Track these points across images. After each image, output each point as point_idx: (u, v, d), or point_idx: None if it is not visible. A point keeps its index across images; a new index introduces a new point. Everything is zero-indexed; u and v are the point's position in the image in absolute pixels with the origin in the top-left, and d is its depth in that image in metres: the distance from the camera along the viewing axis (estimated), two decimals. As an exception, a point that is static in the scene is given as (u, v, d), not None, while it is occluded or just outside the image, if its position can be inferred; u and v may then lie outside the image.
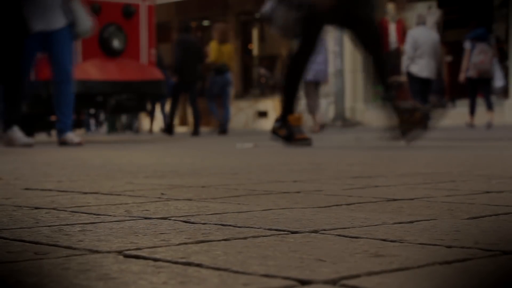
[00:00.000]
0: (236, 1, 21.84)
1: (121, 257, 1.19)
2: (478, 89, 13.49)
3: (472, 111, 13.60)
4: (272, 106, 18.64)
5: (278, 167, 3.52)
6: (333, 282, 0.99)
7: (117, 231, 1.47)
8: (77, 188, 2.46)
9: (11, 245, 1.32)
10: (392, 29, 17.04)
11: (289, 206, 1.87)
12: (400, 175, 2.88)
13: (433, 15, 17.41)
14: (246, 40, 16.86)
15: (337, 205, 1.90)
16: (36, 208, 1.89)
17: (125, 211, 1.81)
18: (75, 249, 1.26)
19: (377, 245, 1.27)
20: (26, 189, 2.45)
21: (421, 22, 12.86)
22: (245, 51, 22.00)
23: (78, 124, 11.24)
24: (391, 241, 1.31)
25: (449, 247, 1.24)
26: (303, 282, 0.99)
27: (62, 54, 7.53)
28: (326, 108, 16.44)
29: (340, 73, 16.96)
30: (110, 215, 1.73)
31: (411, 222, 1.56)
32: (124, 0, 10.18)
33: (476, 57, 13.05)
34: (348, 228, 1.48)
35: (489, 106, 13.40)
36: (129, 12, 10.21)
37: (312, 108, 13.16)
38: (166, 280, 1.01)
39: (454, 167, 3.40)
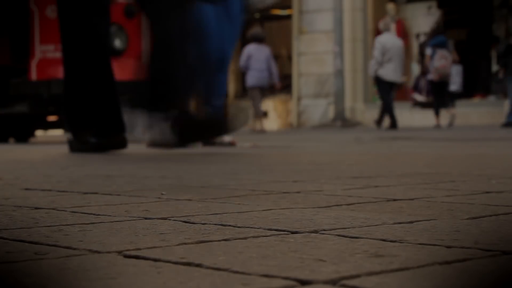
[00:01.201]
0: (236, 1, 21.83)
1: (121, 257, 1.19)
2: (440, 91, 14.58)
3: (437, 112, 14.53)
4: (273, 106, 18.65)
5: (278, 167, 3.52)
6: (333, 282, 0.99)
7: (117, 231, 1.47)
8: (76, 188, 2.46)
9: (11, 245, 1.32)
10: (392, 29, 17.06)
11: (289, 206, 1.87)
12: (400, 175, 2.88)
13: (433, 15, 17.43)
14: (246, 40, 16.96)
15: (337, 205, 1.90)
16: (36, 208, 1.89)
17: (125, 211, 1.81)
18: (74, 249, 1.26)
19: (377, 245, 1.27)
20: (26, 189, 2.45)
21: (387, 29, 14.01)
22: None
23: None
24: (391, 241, 1.31)
25: (449, 247, 1.24)
26: (303, 282, 0.99)
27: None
28: (326, 108, 16.45)
29: (340, 73, 16.96)
30: (110, 215, 1.73)
31: (411, 222, 1.56)
32: None
33: (438, 62, 14.13)
34: (348, 228, 1.48)
35: (447, 106, 14.60)
36: (131, 12, 10.16)
37: (258, 111, 14.32)
38: (166, 280, 1.01)
39: (454, 167, 3.40)
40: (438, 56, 14.14)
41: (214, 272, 1.05)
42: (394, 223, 1.54)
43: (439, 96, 14.44)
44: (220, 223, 1.57)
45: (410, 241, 1.31)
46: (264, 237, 1.37)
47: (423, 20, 17.58)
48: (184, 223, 1.58)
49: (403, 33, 17.63)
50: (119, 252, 1.23)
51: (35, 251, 1.25)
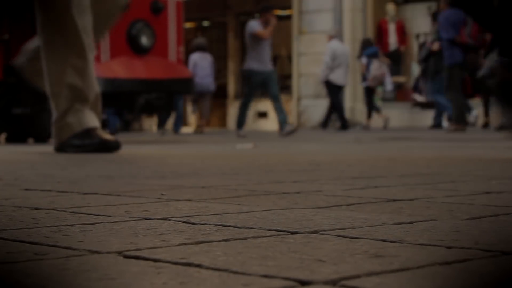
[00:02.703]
0: (235, 2, 21.85)
1: (121, 257, 1.19)
2: (372, 95, 15.88)
3: (370, 114, 15.70)
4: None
5: (278, 168, 3.52)
6: (333, 282, 0.99)
7: (117, 231, 1.47)
8: (76, 188, 2.46)
9: (11, 246, 1.32)
10: (392, 29, 17.07)
11: (289, 207, 1.87)
12: (400, 176, 2.88)
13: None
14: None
15: (337, 206, 1.90)
16: (36, 208, 1.89)
17: (125, 211, 1.81)
18: (75, 249, 1.26)
19: (377, 245, 1.27)
20: (26, 189, 2.45)
21: (337, 35, 15.04)
22: (244, 52, 21.99)
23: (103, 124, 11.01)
24: (391, 241, 1.31)
25: (449, 247, 1.24)
26: (303, 282, 0.99)
27: None
28: (326, 108, 16.44)
29: (339, 73, 16.94)
30: (110, 216, 1.73)
31: (411, 222, 1.56)
32: None
33: (377, 70, 15.44)
34: (348, 228, 1.48)
35: (378, 109, 15.91)
36: (158, 8, 9.78)
37: (205, 113, 15.41)
38: (166, 280, 1.01)
39: (454, 167, 3.40)
40: (376, 66, 15.39)
41: (214, 273, 1.05)
42: (394, 224, 1.54)
43: (371, 100, 15.78)
44: (220, 223, 1.57)
45: (410, 242, 1.31)
46: (264, 238, 1.37)
47: (423, 20, 17.57)
48: (184, 224, 1.58)
49: (402, 33, 17.63)
50: (119, 253, 1.23)
51: (35, 251, 1.25)
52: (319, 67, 15.70)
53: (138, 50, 9.43)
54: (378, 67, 15.54)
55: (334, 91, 14.55)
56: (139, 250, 1.25)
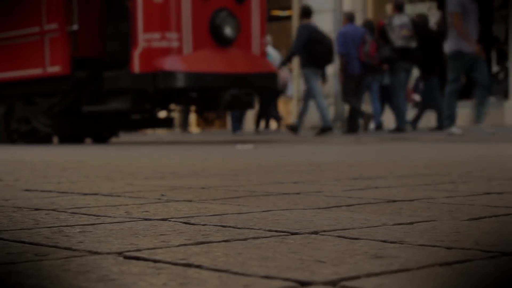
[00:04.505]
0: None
1: (121, 258, 1.19)
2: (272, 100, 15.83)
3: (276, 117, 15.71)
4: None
5: (278, 168, 3.52)
6: (333, 283, 0.99)
7: (117, 232, 1.47)
8: (77, 189, 2.45)
9: (11, 246, 1.32)
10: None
11: (289, 208, 1.87)
12: (400, 177, 2.88)
13: (433, 16, 17.42)
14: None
15: (337, 206, 1.90)
16: (36, 209, 1.89)
17: (125, 212, 1.81)
18: (75, 250, 1.26)
19: (377, 246, 1.27)
20: (26, 190, 2.45)
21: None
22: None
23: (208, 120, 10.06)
24: (391, 242, 1.31)
25: (449, 248, 1.24)
26: (303, 283, 0.99)
27: None
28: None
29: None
30: (110, 216, 1.73)
31: (411, 223, 1.56)
32: None
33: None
34: (348, 229, 1.48)
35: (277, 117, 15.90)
36: None
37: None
38: (166, 281, 1.01)
39: (454, 168, 3.40)
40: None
41: (214, 274, 1.05)
42: (394, 224, 1.54)
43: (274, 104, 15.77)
44: (220, 224, 1.57)
45: (410, 242, 1.31)
46: (264, 238, 1.37)
47: (423, 21, 17.57)
48: (184, 224, 1.58)
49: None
50: (119, 253, 1.23)
51: (35, 252, 1.25)
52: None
53: (221, 42, 8.42)
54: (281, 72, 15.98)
55: (267, 95, 14.43)
56: (139, 251, 1.25)
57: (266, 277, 1.03)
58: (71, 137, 9.39)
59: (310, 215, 1.72)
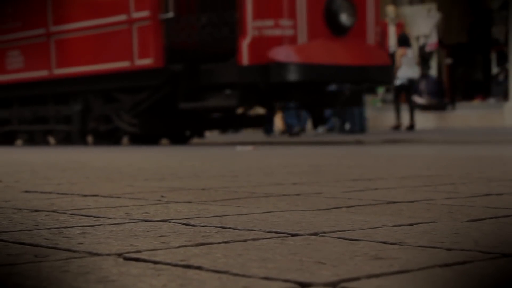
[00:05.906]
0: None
1: (121, 259, 1.19)
2: None
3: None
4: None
5: (277, 170, 3.52)
6: (333, 284, 0.99)
7: (117, 233, 1.47)
8: (76, 190, 2.45)
9: (11, 248, 1.32)
10: (392, 32, 17.08)
11: (289, 209, 1.87)
12: (400, 178, 2.88)
13: (433, 18, 17.44)
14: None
15: (337, 208, 1.90)
16: (36, 210, 1.89)
17: (125, 213, 1.81)
18: (74, 251, 1.26)
19: (377, 247, 1.27)
20: (26, 191, 2.45)
21: None
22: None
23: (321, 120, 8.89)
24: (391, 243, 1.31)
25: (449, 249, 1.24)
26: (303, 284, 0.99)
27: None
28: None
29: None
30: (110, 218, 1.73)
31: (411, 224, 1.56)
32: None
33: None
34: (348, 230, 1.48)
35: None
36: None
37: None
38: (166, 282, 1.01)
39: (454, 169, 3.40)
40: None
41: (213, 275, 1.05)
42: (394, 226, 1.54)
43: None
44: (220, 225, 1.57)
45: (410, 244, 1.31)
46: (264, 240, 1.37)
47: (423, 22, 17.58)
48: (184, 226, 1.58)
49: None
50: (119, 255, 1.23)
51: (35, 253, 1.25)
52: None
53: (337, 30, 7.56)
54: None
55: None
56: (139, 252, 1.25)
57: (266, 278, 1.03)
58: (145, 137, 8.40)
59: (310, 216, 1.72)
